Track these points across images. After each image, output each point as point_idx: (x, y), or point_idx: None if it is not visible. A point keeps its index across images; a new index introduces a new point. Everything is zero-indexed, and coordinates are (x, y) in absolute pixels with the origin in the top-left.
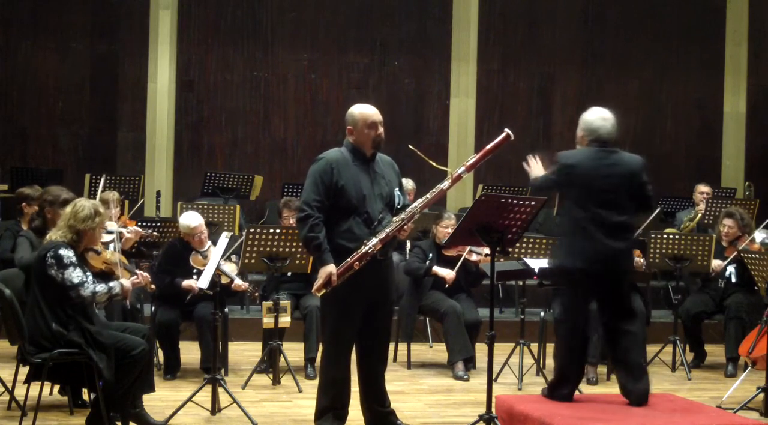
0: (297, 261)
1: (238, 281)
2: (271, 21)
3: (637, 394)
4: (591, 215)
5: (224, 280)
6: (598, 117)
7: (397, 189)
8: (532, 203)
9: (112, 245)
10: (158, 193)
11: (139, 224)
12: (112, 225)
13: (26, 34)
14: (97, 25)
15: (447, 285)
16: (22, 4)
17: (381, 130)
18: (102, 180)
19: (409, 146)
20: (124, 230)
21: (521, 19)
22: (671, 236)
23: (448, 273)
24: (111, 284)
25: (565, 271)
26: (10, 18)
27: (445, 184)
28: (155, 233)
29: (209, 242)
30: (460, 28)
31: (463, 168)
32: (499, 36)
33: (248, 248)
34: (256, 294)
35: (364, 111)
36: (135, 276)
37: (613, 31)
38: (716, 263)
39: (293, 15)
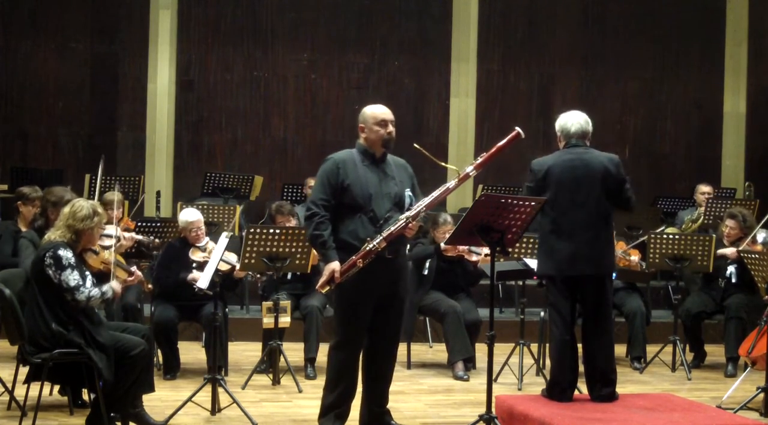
0: (297, 262)
1: (239, 267)
2: (271, 21)
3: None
4: (563, 216)
5: (224, 267)
6: (568, 116)
7: (408, 190)
8: (532, 203)
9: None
10: (158, 193)
11: (139, 224)
12: (110, 229)
13: (26, 34)
14: (97, 25)
15: (454, 256)
16: (22, 4)
17: (391, 129)
18: (100, 166)
19: (415, 145)
20: (121, 235)
21: (521, 19)
22: (671, 236)
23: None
24: (104, 288)
25: (542, 274)
26: (10, 18)
27: (452, 183)
28: (157, 241)
29: (207, 238)
30: (460, 28)
31: (471, 167)
32: (499, 36)
33: (248, 249)
34: (258, 276)
35: (375, 109)
36: (130, 276)
37: (613, 31)
38: (731, 251)
39: (293, 15)
